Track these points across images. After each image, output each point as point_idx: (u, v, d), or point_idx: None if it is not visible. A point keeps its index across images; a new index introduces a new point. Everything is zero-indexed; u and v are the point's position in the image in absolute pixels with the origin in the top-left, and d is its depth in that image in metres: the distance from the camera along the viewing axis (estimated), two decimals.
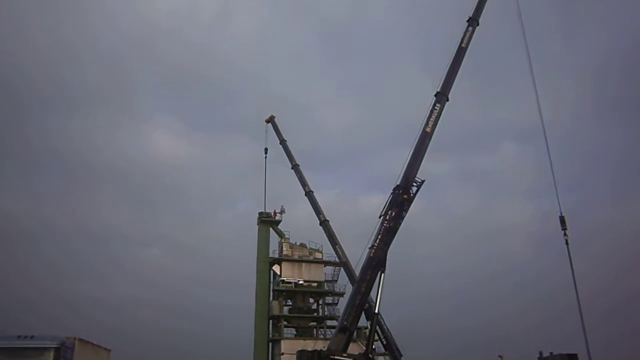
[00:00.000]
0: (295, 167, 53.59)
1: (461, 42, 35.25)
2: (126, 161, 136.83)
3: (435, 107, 33.25)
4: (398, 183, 31.95)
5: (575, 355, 26.56)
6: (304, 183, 52.20)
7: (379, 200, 33.49)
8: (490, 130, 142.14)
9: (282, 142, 56.09)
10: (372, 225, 32.33)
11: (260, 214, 57.16)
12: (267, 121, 58.71)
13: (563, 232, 31.52)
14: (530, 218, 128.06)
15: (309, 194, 51.24)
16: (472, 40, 35.58)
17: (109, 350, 24.46)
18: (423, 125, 32.82)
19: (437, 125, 33.12)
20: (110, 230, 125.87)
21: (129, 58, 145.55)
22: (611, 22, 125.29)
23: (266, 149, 58.16)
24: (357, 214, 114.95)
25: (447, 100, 33.78)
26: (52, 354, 17.01)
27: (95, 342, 22.54)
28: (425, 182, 32.02)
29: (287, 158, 54.89)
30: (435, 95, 33.63)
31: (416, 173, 31.99)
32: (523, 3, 38.34)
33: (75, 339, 19.41)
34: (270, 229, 57.10)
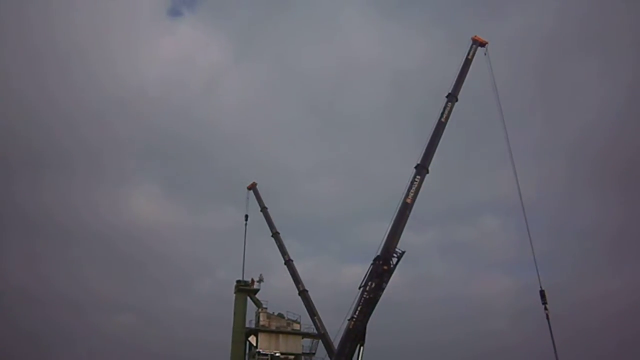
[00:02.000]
0: (275, 235, 53.31)
1: (441, 116, 36.39)
2: (103, 226, 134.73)
3: (416, 179, 33.79)
4: (378, 254, 31.85)
5: None
6: (283, 252, 51.81)
7: (359, 271, 33.20)
8: (471, 204, 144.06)
9: (263, 209, 56.00)
10: (352, 296, 31.88)
11: (238, 282, 55.99)
12: (249, 188, 58.84)
13: (544, 306, 31.44)
14: (511, 291, 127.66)
15: (289, 262, 50.74)
16: (451, 115, 36.76)
17: None
18: (403, 196, 33.22)
19: (418, 197, 33.53)
20: (83, 295, 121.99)
21: (111, 121, 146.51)
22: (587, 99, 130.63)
23: (246, 216, 57.89)
24: (337, 284, 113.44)
25: (427, 172, 34.39)
26: None
27: None
28: (405, 253, 31.99)
29: (267, 226, 54.66)
30: (416, 168, 34.27)
31: (396, 244, 32.01)
32: (502, 82, 40.09)
33: None
34: (248, 298, 55.78)
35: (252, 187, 58.82)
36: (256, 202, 57.54)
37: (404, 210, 32.93)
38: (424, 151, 34.94)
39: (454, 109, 36.99)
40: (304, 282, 49.28)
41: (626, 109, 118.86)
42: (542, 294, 31.86)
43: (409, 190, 33.38)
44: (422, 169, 34.25)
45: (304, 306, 48.73)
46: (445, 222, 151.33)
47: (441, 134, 35.90)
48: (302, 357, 53.52)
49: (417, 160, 34.60)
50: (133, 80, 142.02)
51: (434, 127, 35.94)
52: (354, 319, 30.66)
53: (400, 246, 32.10)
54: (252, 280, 56.04)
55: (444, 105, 36.89)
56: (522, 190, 36.21)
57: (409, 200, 33.14)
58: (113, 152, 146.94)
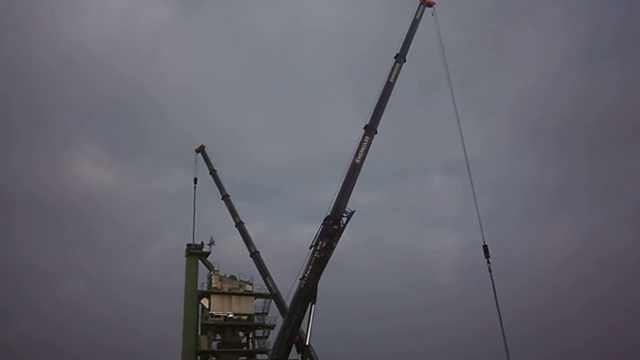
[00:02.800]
0: (225, 197, 52.95)
1: (389, 77, 36.53)
2: (47, 189, 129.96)
3: (365, 140, 34.08)
4: (328, 214, 32.25)
5: None
6: (234, 214, 51.62)
7: (310, 231, 33.58)
8: (420, 163, 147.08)
9: (212, 172, 55.36)
10: (303, 256, 32.33)
11: (189, 245, 55.64)
12: (197, 151, 57.85)
13: (486, 260, 32.81)
14: (457, 247, 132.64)
15: (240, 225, 50.67)
16: (399, 76, 36.97)
17: None
18: (352, 157, 33.52)
19: (366, 157, 33.91)
20: (29, 264, 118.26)
21: (55, 79, 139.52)
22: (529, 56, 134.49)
23: (195, 179, 57.08)
24: (288, 245, 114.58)
25: (376, 132, 34.72)
26: None
27: None
28: (355, 213, 32.52)
29: (217, 188, 54.15)
30: (364, 128, 34.51)
31: (346, 204, 32.47)
32: (450, 41, 40.44)
33: None
34: (199, 261, 55.63)
35: (200, 150, 57.86)
36: (205, 165, 56.75)
37: (353, 171, 33.31)
38: (372, 112, 35.15)
39: (402, 70, 37.23)
40: (255, 244, 49.43)
41: (562, 72, 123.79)
42: (485, 248, 33.18)
43: (357, 151, 33.69)
44: (370, 129, 34.53)
45: (255, 268, 49.06)
46: (394, 182, 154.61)
47: (389, 95, 36.12)
48: (255, 317, 54.24)
49: (366, 121, 34.86)
50: (77, 36, 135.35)
51: (382, 87, 36.12)
52: (305, 278, 31.19)
53: (349, 206, 32.64)
54: (202, 243, 55.81)
55: (392, 66, 37.02)
56: (467, 149, 37.05)
57: (357, 161, 33.49)
58: (58, 112, 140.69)
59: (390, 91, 36.29)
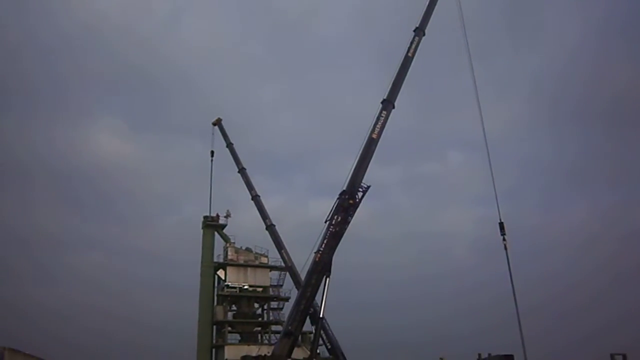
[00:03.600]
0: (241, 170, 53.11)
1: (407, 51, 36.06)
2: (66, 161, 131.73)
3: (382, 114, 33.84)
4: (344, 188, 32.28)
5: (511, 356, 27.46)
6: (250, 187, 51.83)
7: (326, 206, 33.69)
8: (437, 139, 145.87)
9: (229, 145, 55.46)
10: (319, 230, 32.51)
11: (205, 217, 56.25)
12: (214, 124, 57.91)
13: (502, 237, 32.68)
14: (475, 224, 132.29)
15: (255, 198, 50.89)
16: (419, 50, 36.45)
17: None
18: (369, 131, 33.35)
19: (384, 132, 33.71)
20: (46, 234, 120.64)
21: (75, 47, 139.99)
22: (549, 35, 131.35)
23: (212, 152, 57.30)
24: (304, 219, 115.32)
25: (394, 107, 34.44)
26: None
27: (28, 352, 21.45)
28: (370, 188, 32.51)
29: (233, 162, 54.34)
30: (382, 103, 34.24)
31: (362, 179, 32.46)
32: (469, 16, 39.57)
33: (4, 348, 18.38)
34: (215, 233, 56.28)
35: (217, 122, 57.89)
36: (222, 138, 56.87)
37: (370, 146, 33.17)
38: (390, 86, 34.81)
39: (421, 44, 36.70)
40: (271, 217, 49.72)
41: (579, 48, 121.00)
42: (501, 225, 33.03)
43: (374, 126, 33.50)
44: (388, 104, 34.25)
45: (271, 240, 49.43)
46: (411, 158, 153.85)
47: (408, 69, 35.70)
48: (270, 289, 54.96)
49: (384, 95, 34.56)
50: (98, 3, 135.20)
51: (401, 61, 35.68)
52: (320, 252, 31.41)
53: (365, 181, 32.63)
54: (218, 215, 56.34)
55: (411, 40, 36.50)
56: (486, 126, 36.61)
57: (374, 136, 33.33)
58: (77, 81, 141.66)
59: (409, 65, 35.86)
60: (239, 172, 53.25)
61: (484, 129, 36.22)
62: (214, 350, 51.71)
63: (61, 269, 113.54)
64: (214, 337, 52.16)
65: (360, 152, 32.94)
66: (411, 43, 36.30)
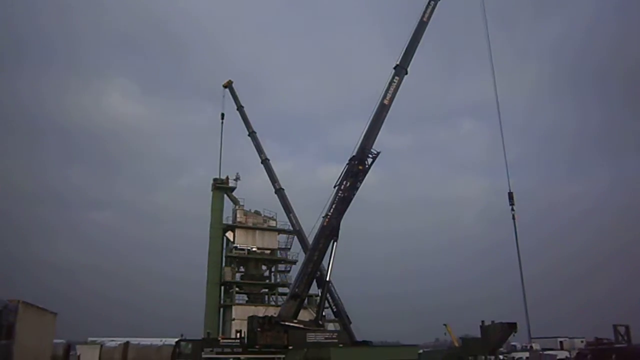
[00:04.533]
0: (252, 134, 52.97)
1: (422, 16, 35.42)
2: (78, 120, 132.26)
3: (394, 80, 33.48)
4: (354, 154, 32.25)
5: (515, 324, 27.77)
6: (260, 150, 51.78)
7: (335, 171, 33.80)
8: (450, 107, 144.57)
9: (240, 108, 55.15)
10: (327, 195, 32.69)
11: (215, 180, 56.49)
12: (225, 86, 57.44)
13: (511, 207, 32.70)
14: (484, 193, 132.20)
15: (265, 161, 50.94)
16: (434, 15, 35.74)
17: (55, 314, 23.87)
18: (381, 97, 33.07)
19: (395, 98, 33.41)
20: (59, 191, 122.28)
21: (90, 5, 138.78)
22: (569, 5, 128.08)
23: (222, 115, 56.98)
24: (313, 183, 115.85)
25: (406, 73, 34.03)
26: None
27: (40, 306, 21.97)
28: (380, 154, 32.44)
29: (244, 125, 54.17)
30: (395, 68, 33.81)
31: (372, 145, 32.37)
32: None
33: (18, 301, 18.80)
34: (225, 195, 56.63)
35: (228, 85, 57.41)
36: (232, 101, 56.49)
37: (381, 112, 32.94)
38: (403, 51, 34.33)
39: (436, 9, 35.95)
40: (280, 181, 49.85)
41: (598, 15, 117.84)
42: (510, 195, 33.03)
43: (386, 91, 33.18)
44: (401, 69, 33.83)
45: (280, 204, 49.69)
46: (423, 125, 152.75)
47: (422, 35, 35.12)
48: (278, 252, 55.58)
49: (397, 60, 34.10)
50: None
51: (415, 27, 35.06)
52: (329, 216, 31.65)
53: (376, 147, 32.54)
54: (227, 178, 56.57)
55: (426, 4, 35.78)
56: (500, 94, 36.21)
57: (386, 102, 33.05)
58: (93, 41, 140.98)
59: (423, 31, 35.26)
60: (249, 135, 53.14)
61: (496, 94, 35.88)
62: (221, 309, 52.76)
63: (88, 224, 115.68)
64: (222, 297, 53.14)
65: (371, 118, 32.75)
66: (426, 8, 35.63)
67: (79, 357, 32.94)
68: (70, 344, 29.14)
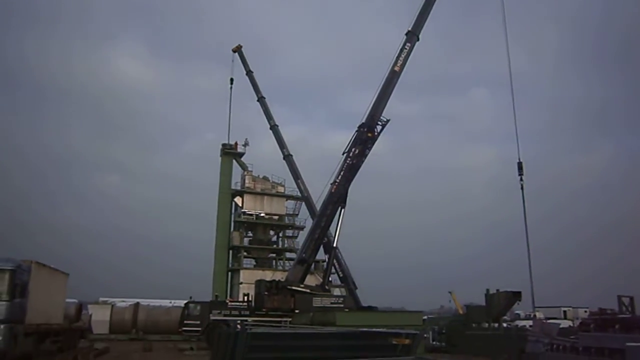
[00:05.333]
0: (261, 99, 52.63)
1: None
2: (87, 82, 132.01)
3: (406, 46, 32.99)
4: (363, 121, 32.09)
5: (519, 292, 27.95)
6: (269, 116, 51.54)
7: (344, 138, 33.72)
8: (462, 74, 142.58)
9: (249, 73, 54.71)
10: (336, 161, 32.71)
11: (224, 145, 56.52)
12: (234, 50, 56.87)
13: (519, 177, 32.48)
14: (493, 163, 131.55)
15: (274, 127, 50.76)
16: None
17: (67, 275, 24.35)
18: (392, 63, 32.65)
19: (406, 65, 32.99)
20: (66, 154, 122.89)
21: None
22: None
23: (232, 79, 56.57)
24: (322, 150, 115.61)
25: (418, 39, 33.48)
26: (7, 276, 16.68)
27: (52, 266, 22.42)
28: (390, 122, 32.28)
29: (253, 90, 53.83)
30: (406, 34, 33.27)
31: (382, 112, 32.17)
32: None
33: (31, 262, 19.20)
34: (234, 160, 56.76)
35: (238, 49, 56.82)
36: (242, 66, 56.01)
37: (392, 79, 32.59)
38: (415, 17, 33.70)
39: None
40: (290, 148, 49.77)
41: None
42: (520, 165, 32.77)
43: (397, 58, 32.75)
44: (412, 36, 33.29)
45: (288, 170, 49.80)
46: (434, 93, 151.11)
47: (434, 0, 34.39)
48: (286, 217, 56.00)
49: (409, 27, 33.52)
50: None
51: None
52: (337, 183, 31.74)
53: (385, 114, 32.33)
54: (236, 143, 56.58)
55: None
56: (519, 63, 35.70)
57: (397, 68, 32.66)
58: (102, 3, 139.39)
59: None
60: (258, 100, 52.83)
61: (509, 59, 35.16)
62: (229, 273, 53.57)
63: (88, 188, 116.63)
64: (230, 261, 53.88)
65: (382, 84, 32.45)
66: None
67: (90, 316, 33.68)
68: (82, 304, 29.73)
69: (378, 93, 32.27)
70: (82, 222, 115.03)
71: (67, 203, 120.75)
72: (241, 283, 49.43)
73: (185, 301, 32.54)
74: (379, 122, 32.11)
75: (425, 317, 33.87)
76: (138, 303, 39.24)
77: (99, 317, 36.29)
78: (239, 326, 10.79)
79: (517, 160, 32.81)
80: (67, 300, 24.85)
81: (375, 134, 32.04)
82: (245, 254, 53.87)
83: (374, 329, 12.15)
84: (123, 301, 39.73)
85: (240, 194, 55.02)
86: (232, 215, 55.61)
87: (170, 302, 38.75)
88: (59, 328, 22.70)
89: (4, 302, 16.23)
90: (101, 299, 40.97)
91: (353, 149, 31.85)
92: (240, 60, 55.88)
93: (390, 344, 10.57)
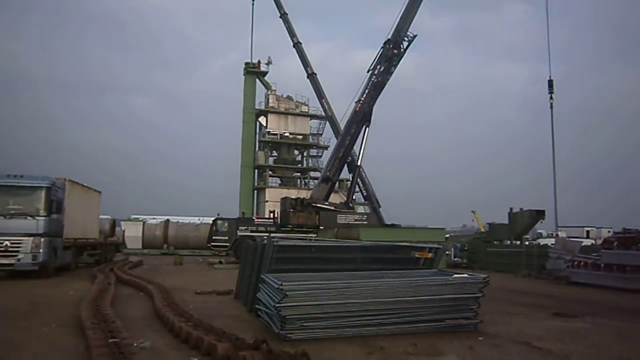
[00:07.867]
0: (283, 15, 50.85)
1: None
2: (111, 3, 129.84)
3: None
4: (389, 37, 31.08)
5: (543, 211, 28.02)
6: (292, 33, 49.96)
7: (369, 55, 32.82)
8: None
9: None
10: (360, 80, 32.11)
11: (247, 64, 55.74)
12: None
13: (549, 95, 31.73)
14: (524, 82, 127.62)
15: (297, 45, 49.36)
16: None
17: (99, 192, 25.18)
18: None
19: None
20: (98, 76, 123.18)
21: None
22: None
23: None
24: (347, 68, 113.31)
25: None
26: (43, 193, 17.36)
27: (85, 184, 23.17)
28: (417, 38, 31.18)
29: (275, 6, 52.10)
30: None
31: (409, 27, 30.97)
32: None
33: (65, 179, 19.85)
34: (257, 80, 56.17)
35: None
36: None
37: None
38: None
39: None
40: (315, 66, 48.69)
41: None
42: (550, 83, 31.92)
43: None
44: None
45: (312, 89, 49.14)
46: (466, 6, 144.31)
47: None
48: (310, 137, 56.08)
49: None
50: None
51: None
52: (361, 102, 31.33)
53: (412, 30, 31.14)
54: (259, 62, 55.72)
55: None
56: None
57: None
58: None
59: None
60: (280, 17, 51.18)
61: None
62: (255, 192, 54.67)
63: (121, 110, 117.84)
64: (256, 180, 54.81)
65: None
66: None
67: (124, 232, 35.16)
68: (115, 220, 30.97)
69: (405, 7, 30.93)
70: (112, 143, 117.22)
71: (99, 125, 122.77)
72: (267, 201, 50.45)
73: (213, 218, 33.55)
74: (406, 38, 31.03)
75: (447, 235, 34.39)
76: (168, 220, 40.66)
77: (132, 232, 37.88)
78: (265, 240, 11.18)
79: (548, 78, 32.06)
80: (101, 216, 25.91)
81: (402, 50, 31.08)
82: (270, 172, 54.64)
83: (397, 243, 12.45)
84: (154, 218, 41.20)
85: (265, 113, 54.93)
86: (257, 135, 55.89)
87: (199, 219, 40.03)
88: (95, 242, 23.86)
89: (42, 218, 17.02)
90: (133, 216, 42.53)
91: (378, 66, 31.11)
92: None
93: (412, 257, 10.83)
